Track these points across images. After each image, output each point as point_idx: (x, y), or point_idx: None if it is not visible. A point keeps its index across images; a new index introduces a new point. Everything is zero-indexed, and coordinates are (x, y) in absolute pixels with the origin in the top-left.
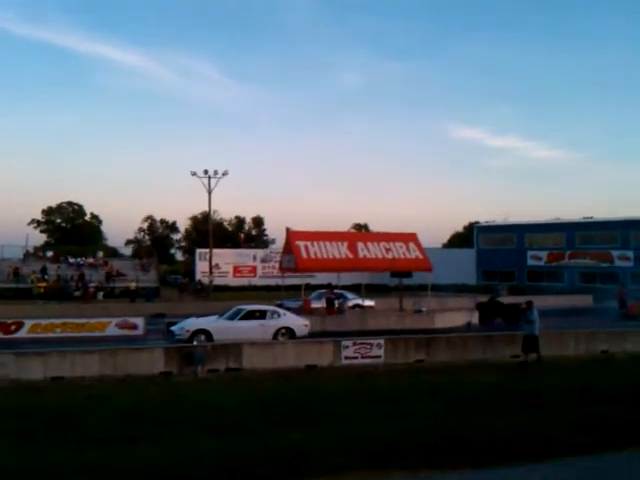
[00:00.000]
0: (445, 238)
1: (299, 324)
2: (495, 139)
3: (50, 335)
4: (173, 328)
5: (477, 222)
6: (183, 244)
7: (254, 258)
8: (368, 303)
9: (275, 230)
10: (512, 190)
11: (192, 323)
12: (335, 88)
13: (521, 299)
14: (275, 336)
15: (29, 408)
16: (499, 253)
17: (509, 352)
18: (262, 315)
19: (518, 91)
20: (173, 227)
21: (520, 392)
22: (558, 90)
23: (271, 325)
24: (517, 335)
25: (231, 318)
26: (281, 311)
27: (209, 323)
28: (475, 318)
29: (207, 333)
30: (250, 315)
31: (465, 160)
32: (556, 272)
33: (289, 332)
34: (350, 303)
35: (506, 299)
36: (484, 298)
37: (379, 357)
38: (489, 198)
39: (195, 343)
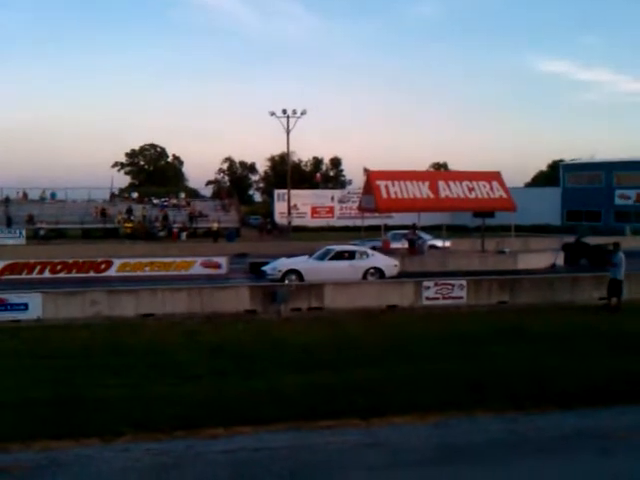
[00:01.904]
0: (528, 177)
1: (389, 264)
2: (582, 72)
3: (138, 273)
4: (265, 268)
5: (562, 160)
6: (261, 185)
7: (332, 199)
8: (444, 243)
9: (352, 171)
10: (599, 126)
11: (283, 263)
12: (413, 21)
13: (612, 240)
14: (364, 276)
15: (124, 344)
16: (585, 192)
17: (597, 294)
18: (351, 255)
19: (606, 21)
20: (252, 168)
21: (607, 335)
22: None
23: (360, 265)
24: (605, 277)
25: (321, 258)
26: (370, 251)
27: (300, 263)
28: (560, 259)
29: (298, 273)
30: (339, 255)
31: (550, 95)
32: None
33: (378, 272)
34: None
35: (592, 240)
36: (570, 239)
37: (461, 298)
38: (575, 135)
39: (287, 282)
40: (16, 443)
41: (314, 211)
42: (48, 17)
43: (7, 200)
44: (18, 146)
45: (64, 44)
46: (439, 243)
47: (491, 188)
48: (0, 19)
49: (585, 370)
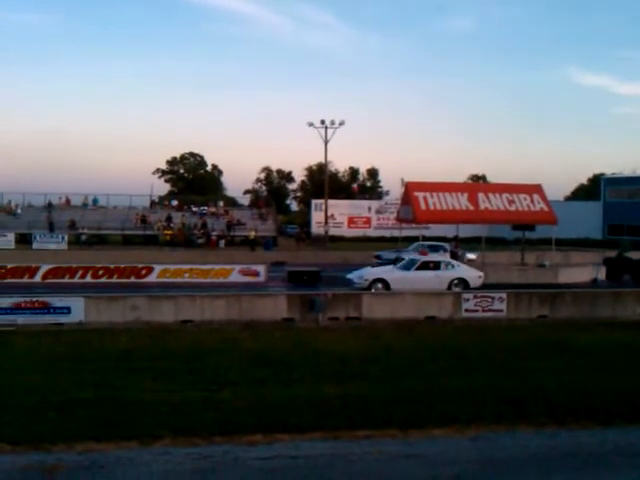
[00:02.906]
0: (568, 191)
1: (473, 275)
2: (622, 86)
3: (178, 280)
4: (351, 276)
5: (602, 174)
6: (298, 194)
7: (369, 209)
8: (474, 256)
9: (389, 182)
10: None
11: (370, 272)
12: (449, 34)
13: None
14: (449, 287)
15: (163, 349)
16: (627, 206)
17: None
18: (436, 266)
19: None
20: (289, 177)
21: None
22: None
23: (446, 276)
24: None
25: (407, 268)
26: (455, 262)
27: (386, 272)
28: (601, 274)
29: (384, 282)
30: (425, 266)
31: (589, 108)
32: None
33: (463, 283)
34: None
35: (635, 255)
36: (612, 253)
37: (501, 311)
38: (615, 149)
39: (373, 291)
40: (59, 444)
41: (351, 221)
42: (95, 28)
43: (50, 205)
44: (61, 152)
45: (106, 53)
46: (469, 256)
47: (532, 201)
48: (51, 29)
49: (626, 386)
